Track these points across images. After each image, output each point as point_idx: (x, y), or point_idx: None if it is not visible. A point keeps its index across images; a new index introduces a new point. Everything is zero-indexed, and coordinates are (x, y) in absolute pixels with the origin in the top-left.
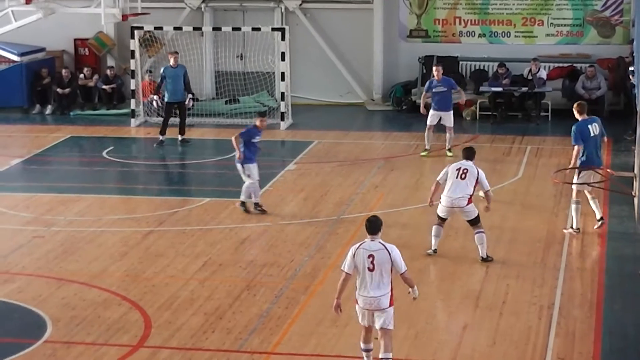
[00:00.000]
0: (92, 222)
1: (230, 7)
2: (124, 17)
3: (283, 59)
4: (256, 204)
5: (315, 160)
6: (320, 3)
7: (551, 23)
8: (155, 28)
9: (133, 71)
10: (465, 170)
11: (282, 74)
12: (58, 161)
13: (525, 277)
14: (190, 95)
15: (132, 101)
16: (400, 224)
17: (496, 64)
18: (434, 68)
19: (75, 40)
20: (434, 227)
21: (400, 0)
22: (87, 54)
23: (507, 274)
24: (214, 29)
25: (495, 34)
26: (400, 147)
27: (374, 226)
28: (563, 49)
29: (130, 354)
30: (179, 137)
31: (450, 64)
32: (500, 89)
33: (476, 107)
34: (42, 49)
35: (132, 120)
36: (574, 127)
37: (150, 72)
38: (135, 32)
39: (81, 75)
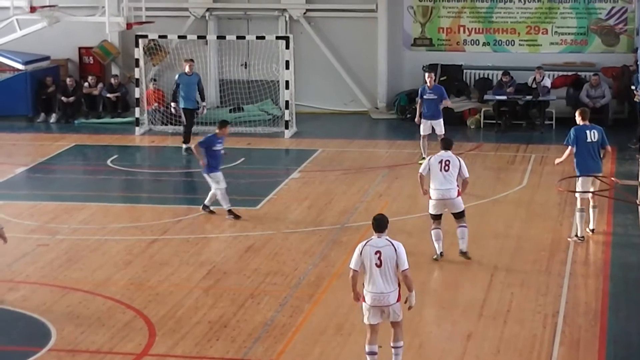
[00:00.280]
0: (96, 230)
1: (234, 15)
2: (129, 25)
3: (287, 68)
4: (229, 211)
5: (319, 168)
6: (324, 11)
7: (555, 31)
8: (160, 36)
9: (137, 79)
10: (447, 162)
11: (287, 82)
12: (62, 169)
13: (530, 285)
14: (204, 104)
15: (137, 109)
16: (404, 232)
17: (500, 72)
18: (426, 75)
19: (79, 48)
20: (433, 232)
21: (404, 8)
22: (91, 62)
23: (511, 282)
24: (218, 37)
25: (500, 42)
26: (404, 156)
27: (380, 224)
28: (567, 57)
29: None
30: (184, 146)
31: (454, 73)
32: (504, 97)
33: (480, 116)
34: (46, 58)
35: (137, 128)
36: (571, 130)
37: (155, 80)
38: (140, 40)
39: (86, 84)
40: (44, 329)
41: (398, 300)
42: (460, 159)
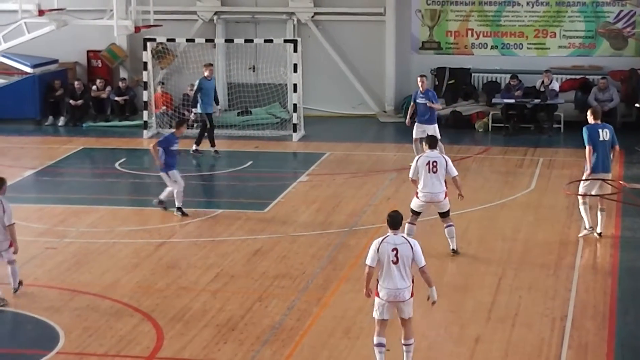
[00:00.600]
0: (104, 233)
1: (242, 19)
2: (137, 29)
3: (295, 71)
4: (178, 209)
5: (327, 171)
6: (332, 15)
7: (563, 35)
8: (168, 40)
9: (145, 83)
10: (434, 163)
11: (295, 85)
12: (70, 173)
13: (538, 288)
14: (219, 107)
15: (145, 113)
16: (412, 236)
17: (508, 75)
18: (418, 79)
19: (87, 52)
20: (407, 226)
21: (412, 12)
22: (99, 65)
23: (519, 286)
24: (226, 40)
25: (508, 45)
26: (412, 159)
27: (395, 221)
28: (575, 60)
29: None
30: (194, 147)
31: (462, 76)
32: (512, 100)
33: (488, 119)
34: (54, 61)
35: (145, 131)
36: (584, 129)
37: (163, 83)
38: (148, 43)
39: (94, 87)
40: (52, 331)
41: (412, 296)
42: (446, 157)
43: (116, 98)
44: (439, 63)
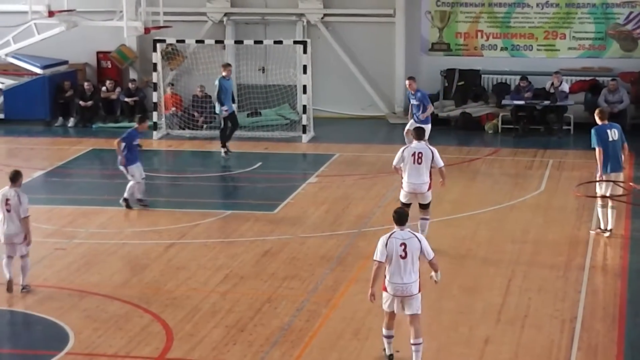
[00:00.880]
0: (113, 234)
1: (252, 20)
2: (146, 30)
3: (305, 72)
4: (139, 200)
5: (336, 173)
6: (342, 16)
7: (573, 36)
8: (177, 41)
9: (155, 84)
10: (420, 154)
11: (304, 86)
12: (80, 173)
13: (548, 290)
14: (224, 108)
15: (154, 114)
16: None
17: (518, 77)
18: (407, 81)
19: (97, 53)
20: None
21: (422, 13)
22: (109, 66)
23: (529, 287)
24: (235, 42)
25: (517, 47)
26: None
27: (402, 217)
28: (585, 62)
29: None
30: (222, 151)
31: (472, 78)
32: (522, 102)
33: (498, 121)
34: (64, 62)
35: (154, 132)
36: (592, 131)
37: (172, 84)
38: (158, 45)
39: (103, 88)
40: (62, 332)
41: (419, 291)
42: (432, 149)
43: (126, 99)
44: (449, 64)
